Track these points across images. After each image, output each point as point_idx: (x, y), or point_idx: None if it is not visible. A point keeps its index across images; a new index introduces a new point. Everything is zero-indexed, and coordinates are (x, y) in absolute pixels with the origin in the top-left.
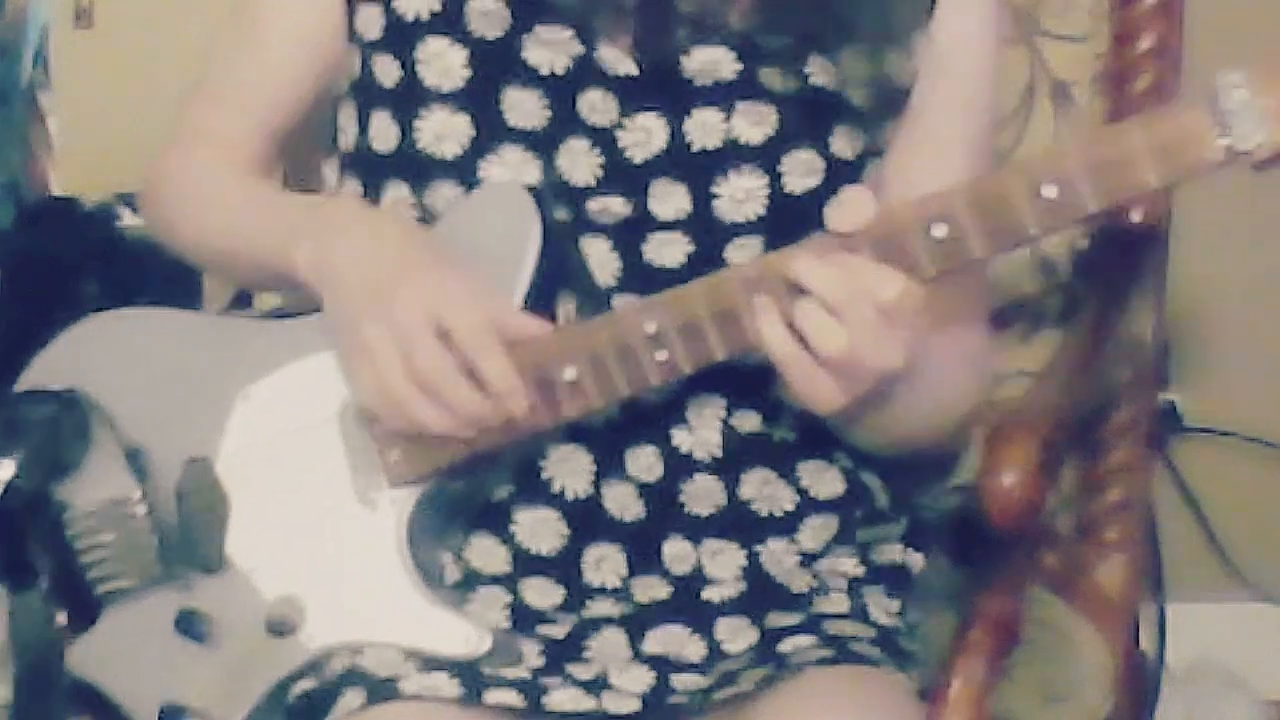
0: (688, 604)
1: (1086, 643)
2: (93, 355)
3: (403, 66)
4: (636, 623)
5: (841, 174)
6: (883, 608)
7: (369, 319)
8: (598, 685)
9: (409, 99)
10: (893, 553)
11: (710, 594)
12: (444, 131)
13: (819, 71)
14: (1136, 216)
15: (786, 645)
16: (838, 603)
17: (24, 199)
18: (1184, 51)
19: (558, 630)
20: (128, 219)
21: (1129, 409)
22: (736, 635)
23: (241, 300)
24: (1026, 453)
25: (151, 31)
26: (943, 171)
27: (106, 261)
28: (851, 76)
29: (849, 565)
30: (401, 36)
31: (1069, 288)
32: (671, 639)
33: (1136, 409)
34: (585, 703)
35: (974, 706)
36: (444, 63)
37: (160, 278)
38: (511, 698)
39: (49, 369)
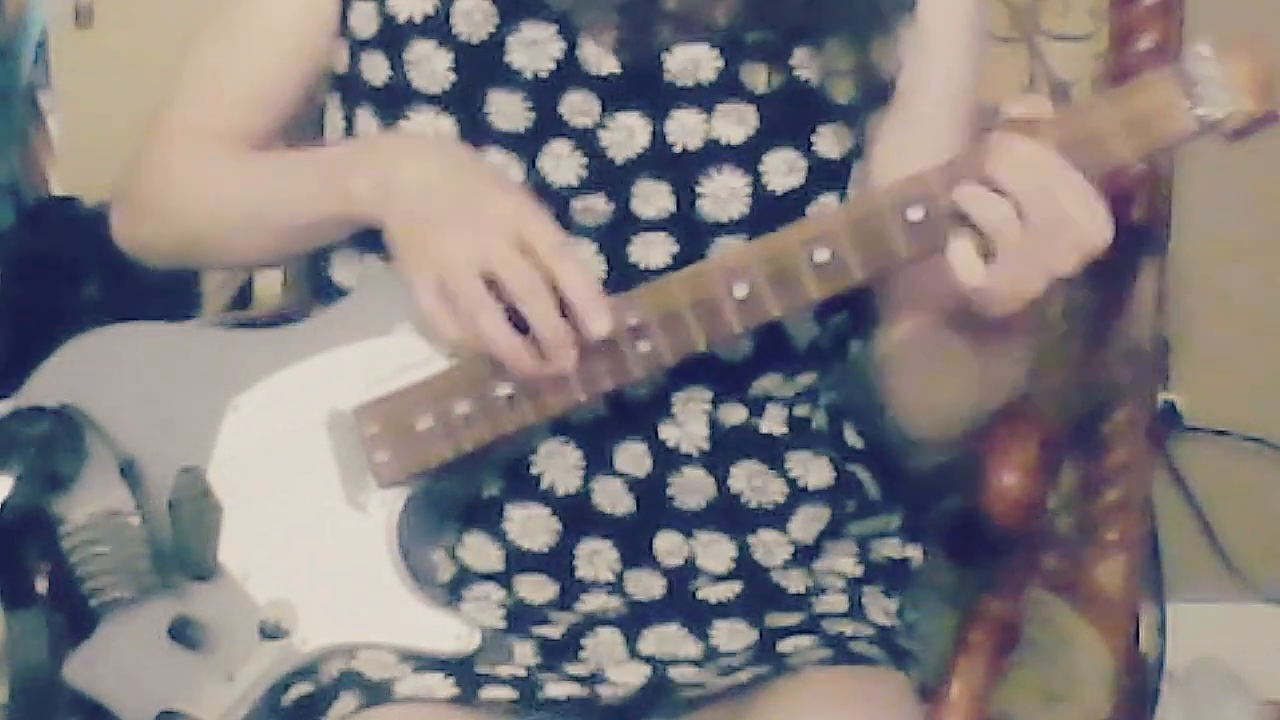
0: (683, 602)
1: (1086, 643)
2: (84, 371)
3: (392, 66)
4: (632, 623)
5: (824, 173)
6: (881, 607)
7: (446, 236)
8: (594, 680)
9: (395, 99)
10: (891, 548)
11: (706, 593)
12: (429, 133)
13: (804, 65)
14: (1137, 216)
15: (786, 645)
16: (836, 603)
17: (24, 199)
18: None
19: (553, 630)
20: None
21: (1129, 409)
22: (734, 637)
23: (242, 299)
24: (1026, 453)
25: (151, 31)
26: (929, 160)
27: (106, 261)
28: (836, 68)
29: (847, 565)
30: (393, 37)
31: (1069, 288)
32: (668, 640)
33: (1136, 409)
34: (580, 693)
35: (974, 706)
36: (430, 65)
37: (159, 278)
38: (507, 693)
39: (42, 386)
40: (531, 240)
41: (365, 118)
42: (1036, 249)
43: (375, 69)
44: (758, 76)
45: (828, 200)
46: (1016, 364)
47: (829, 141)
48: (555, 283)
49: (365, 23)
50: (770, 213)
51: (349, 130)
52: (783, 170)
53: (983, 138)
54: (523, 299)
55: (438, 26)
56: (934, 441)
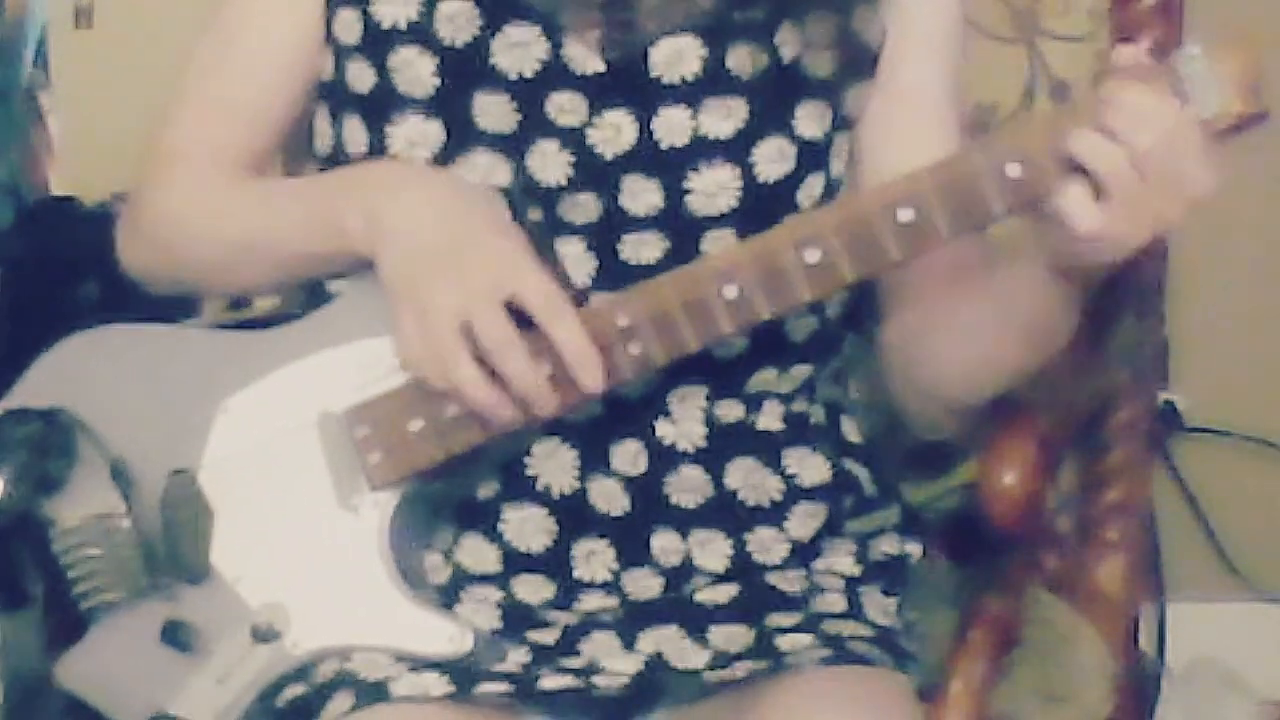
0: (681, 603)
1: (1086, 643)
2: (75, 373)
3: (377, 73)
4: (630, 624)
5: (812, 156)
6: (880, 607)
7: (435, 281)
8: (589, 671)
9: (381, 105)
10: (889, 544)
11: (704, 595)
12: (416, 138)
13: (789, 42)
14: None
15: (785, 643)
16: (834, 602)
17: (24, 199)
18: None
19: (549, 634)
20: None
21: (1129, 409)
22: (732, 640)
23: (240, 300)
24: (1026, 453)
25: (151, 31)
26: (919, 131)
27: (106, 261)
28: (819, 41)
29: (846, 564)
30: (377, 43)
31: None
32: (666, 640)
33: (1136, 409)
34: (576, 684)
35: (974, 706)
36: (414, 71)
37: None
38: (502, 688)
39: (33, 387)
40: (518, 291)
41: (353, 125)
42: (1151, 197)
43: (360, 76)
44: (743, 61)
45: (814, 181)
46: (1071, 315)
47: (811, 120)
48: (545, 334)
49: (349, 30)
50: (760, 203)
51: (338, 138)
52: (773, 159)
53: (1099, 86)
54: (496, 355)
55: (421, 32)
56: (950, 410)
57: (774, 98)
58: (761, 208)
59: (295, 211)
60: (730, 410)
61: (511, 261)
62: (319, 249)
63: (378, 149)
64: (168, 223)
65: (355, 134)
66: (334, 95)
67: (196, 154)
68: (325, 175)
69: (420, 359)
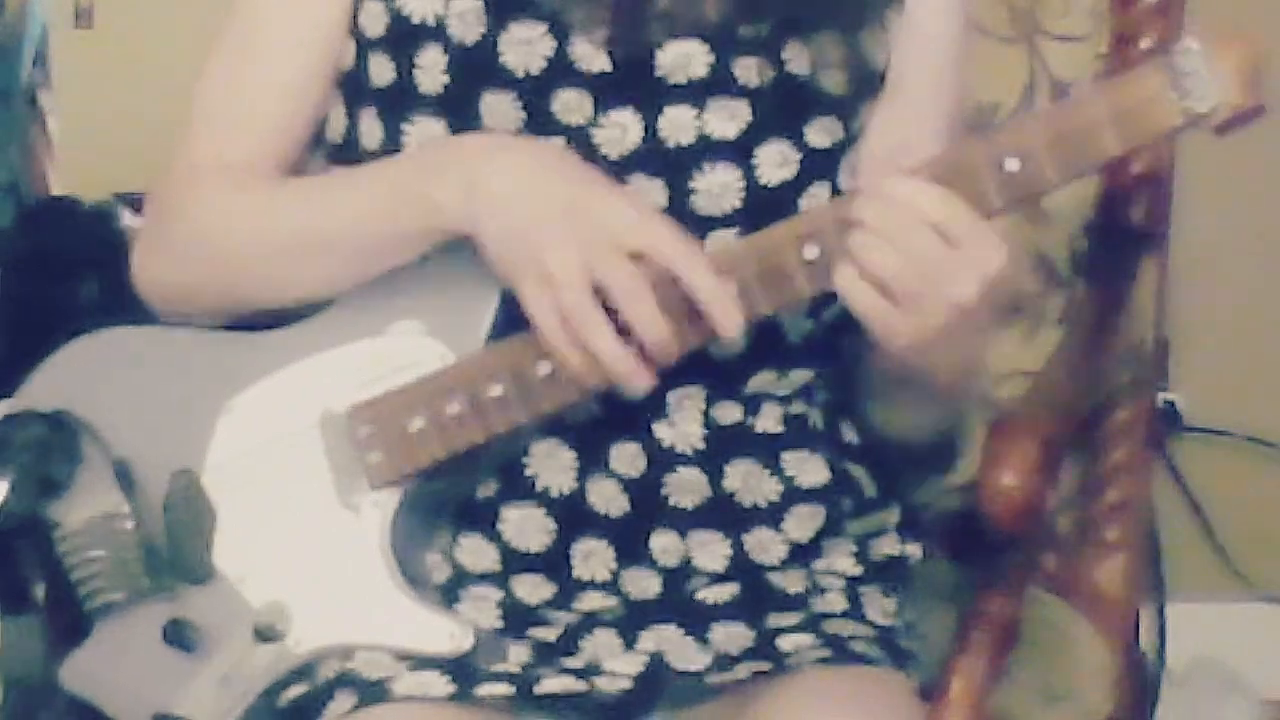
0: (681, 602)
1: (1086, 643)
2: (78, 375)
3: (397, 69)
4: (629, 623)
5: (817, 163)
6: (880, 606)
7: (552, 241)
8: (590, 671)
9: (399, 102)
10: (890, 544)
11: (704, 594)
12: (427, 137)
13: (795, 59)
14: (1137, 216)
15: (785, 643)
16: (835, 602)
17: (24, 199)
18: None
19: (550, 632)
20: (127, 219)
21: (1129, 409)
22: (732, 639)
23: None
24: (1026, 453)
25: (151, 31)
26: (918, 139)
27: (106, 261)
28: (827, 60)
29: (846, 564)
30: (401, 38)
31: (1069, 287)
32: (666, 640)
33: (1136, 409)
34: (577, 686)
35: (974, 706)
36: (432, 68)
37: None
38: (503, 689)
39: (37, 390)
40: (647, 241)
41: (369, 120)
42: (928, 282)
43: (381, 70)
44: (749, 71)
45: (818, 190)
46: (959, 370)
47: (820, 132)
48: (678, 281)
49: (374, 22)
50: (763, 205)
51: (352, 130)
52: (775, 163)
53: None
54: (628, 306)
55: (441, 29)
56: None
57: (780, 105)
58: (764, 211)
59: (374, 195)
60: (729, 412)
61: (633, 211)
62: (403, 229)
63: (391, 146)
64: (209, 236)
65: (371, 128)
66: (352, 87)
67: (229, 165)
68: (399, 157)
69: (558, 333)
